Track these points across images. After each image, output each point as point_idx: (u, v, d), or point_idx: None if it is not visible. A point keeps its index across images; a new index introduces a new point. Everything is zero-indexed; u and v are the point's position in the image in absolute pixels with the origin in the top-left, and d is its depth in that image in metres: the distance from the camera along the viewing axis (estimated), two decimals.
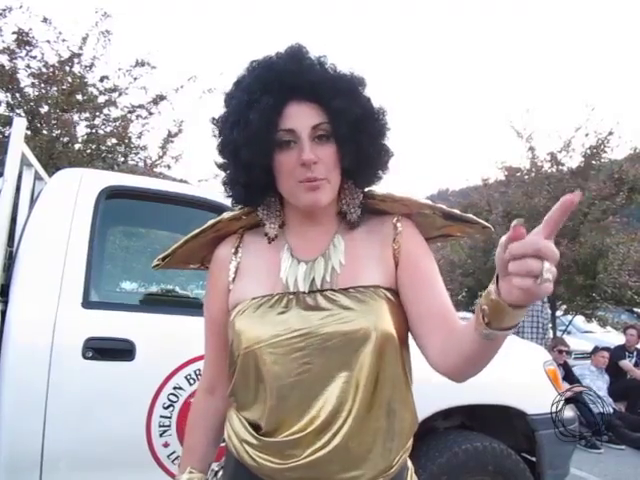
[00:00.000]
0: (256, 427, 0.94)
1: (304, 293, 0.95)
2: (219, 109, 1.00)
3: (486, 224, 1.04)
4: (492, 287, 0.70)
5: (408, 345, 0.99)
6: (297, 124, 0.93)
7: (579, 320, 9.34)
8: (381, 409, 0.92)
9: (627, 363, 6.58)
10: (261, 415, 0.93)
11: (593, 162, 8.33)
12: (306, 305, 0.93)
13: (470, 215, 1.03)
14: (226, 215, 1.06)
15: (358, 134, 0.95)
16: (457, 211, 1.02)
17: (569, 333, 9.07)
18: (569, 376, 5.82)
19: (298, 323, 0.91)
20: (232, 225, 1.07)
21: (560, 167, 8.48)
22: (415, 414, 1.00)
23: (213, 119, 1.01)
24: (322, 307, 0.92)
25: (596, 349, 6.61)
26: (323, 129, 0.94)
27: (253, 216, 1.06)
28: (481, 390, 2.33)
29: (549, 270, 0.61)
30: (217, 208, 2.15)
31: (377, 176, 1.03)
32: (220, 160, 1.01)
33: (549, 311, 5.28)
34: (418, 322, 0.95)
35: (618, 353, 6.73)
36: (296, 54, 0.95)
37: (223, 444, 1.03)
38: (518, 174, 8.90)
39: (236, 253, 1.04)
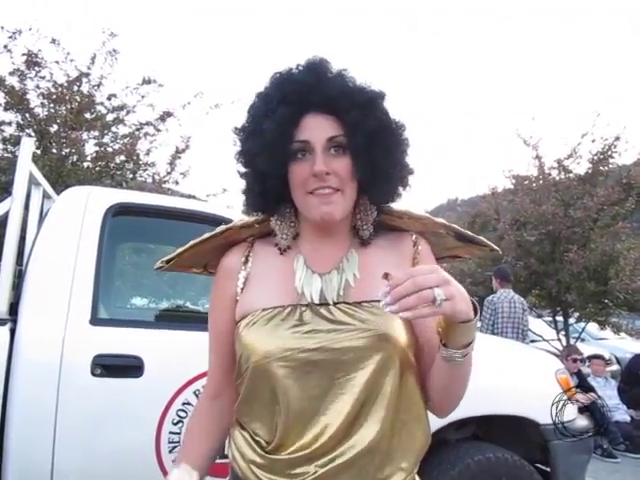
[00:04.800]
0: (262, 444, 0.92)
1: (317, 305, 0.93)
2: (240, 119, 1.00)
3: (494, 247, 1.06)
4: None
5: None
6: (312, 136, 0.93)
7: (593, 327, 9.21)
8: (395, 427, 0.90)
9: None
10: (269, 430, 0.91)
11: (601, 168, 8.26)
12: (319, 319, 0.92)
13: (481, 238, 1.04)
14: (238, 222, 1.05)
15: (373, 147, 0.93)
16: (469, 232, 1.03)
17: (583, 340, 8.95)
18: (583, 385, 5.73)
19: (311, 337, 0.89)
20: (242, 233, 1.06)
21: (568, 174, 8.43)
22: (428, 432, 0.97)
23: (235, 128, 1.00)
24: (335, 321, 0.91)
25: (587, 359, 6.54)
26: (338, 141, 0.93)
27: (265, 225, 1.04)
28: (494, 400, 2.30)
29: (440, 295, 0.72)
30: (224, 223, 2.16)
31: (395, 192, 1.01)
32: (240, 169, 1.01)
33: (528, 317, 5.51)
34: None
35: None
36: (316, 67, 0.95)
37: (226, 460, 1.01)
38: (526, 182, 8.84)
39: (246, 262, 1.02)
